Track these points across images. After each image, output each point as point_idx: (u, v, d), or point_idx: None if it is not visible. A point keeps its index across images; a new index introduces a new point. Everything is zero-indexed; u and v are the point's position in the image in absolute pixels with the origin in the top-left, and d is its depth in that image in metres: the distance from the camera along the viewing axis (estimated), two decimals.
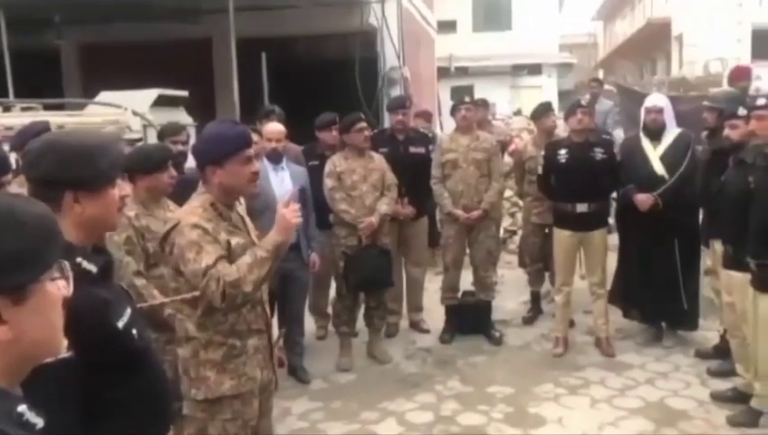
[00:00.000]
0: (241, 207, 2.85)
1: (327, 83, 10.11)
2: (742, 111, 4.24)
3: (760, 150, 3.88)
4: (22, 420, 1.01)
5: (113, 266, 1.73)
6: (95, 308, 1.53)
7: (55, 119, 5.49)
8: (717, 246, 4.54)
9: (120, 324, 1.60)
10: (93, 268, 1.58)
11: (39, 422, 1.03)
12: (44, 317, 1.08)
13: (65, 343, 1.27)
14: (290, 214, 2.55)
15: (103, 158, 1.67)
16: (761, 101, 3.75)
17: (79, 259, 1.55)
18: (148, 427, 1.66)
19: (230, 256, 2.54)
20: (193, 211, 2.55)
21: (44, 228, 1.10)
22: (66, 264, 1.13)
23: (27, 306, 1.06)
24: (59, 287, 1.11)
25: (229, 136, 2.62)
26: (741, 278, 4.02)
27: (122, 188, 1.74)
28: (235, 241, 2.59)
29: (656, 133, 5.24)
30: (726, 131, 4.31)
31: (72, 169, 1.62)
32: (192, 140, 4.98)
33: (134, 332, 1.65)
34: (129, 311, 1.66)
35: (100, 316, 1.55)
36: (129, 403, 1.62)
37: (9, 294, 1.05)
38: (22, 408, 1.02)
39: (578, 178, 5.19)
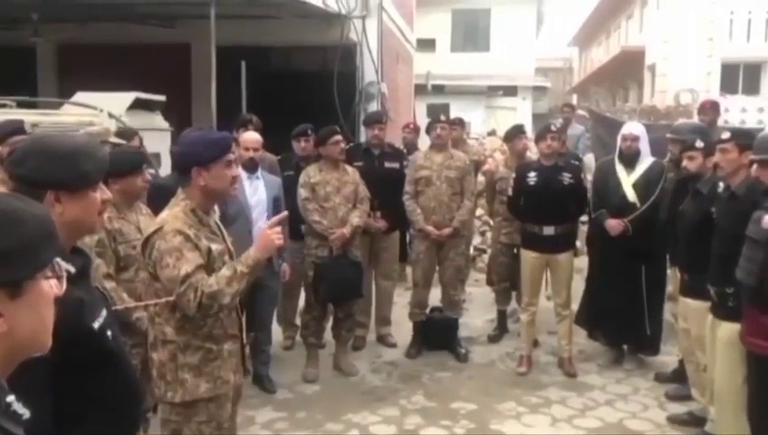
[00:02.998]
0: (214, 214, 2.89)
1: (305, 95, 10.15)
2: (699, 144, 4.38)
3: (715, 182, 4.02)
4: (10, 411, 1.05)
5: (91, 268, 1.75)
6: (71, 308, 1.54)
7: (29, 117, 5.44)
8: (678, 272, 4.68)
9: (96, 325, 1.62)
10: (72, 269, 1.60)
11: (26, 413, 1.07)
12: (37, 313, 1.12)
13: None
14: (274, 235, 2.63)
15: (87, 160, 1.70)
16: (725, 135, 3.88)
17: (57, 259, 1.57)
18: (119, 428, 1.68)
19: (209, 262, 2.61)
20: (176, 216, 2.59)
21: (42, 228, 1.15)
22: (60, 264, 1.17)
23: (22, 302, 1.10)
24: (52, 286, 1.14)
25: (215, 140, 2.72)
26: (696, 305, 4.14)
27: (104, 191, 1.76)
28: (214, 247, 2.66)
29: (630, 160, 5.37)
30: (684, 162, 4.44)
31: (54, 170, 1.64)
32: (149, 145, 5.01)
33: (109, 333, 1.67)
34: (104, 312, 1.68)
35: (76, 317, 1.57)
36: (101, 404, 1.63)
37: (6, 289, 1.09)
38: (10, 398, 1.06)
39: (546, 201, 5.29)
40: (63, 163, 1.66)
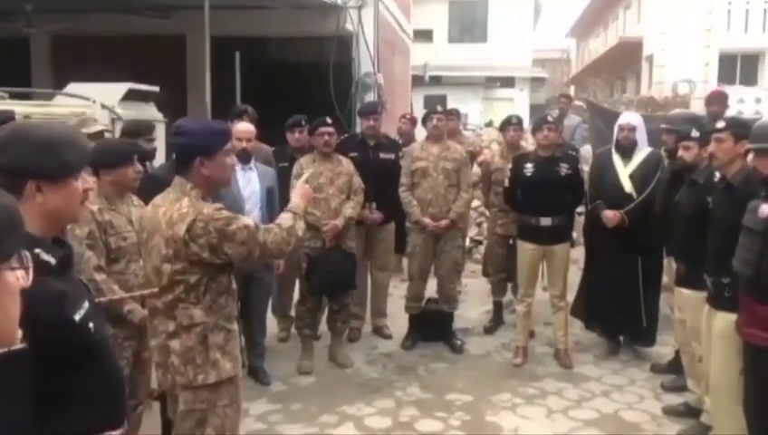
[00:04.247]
0: None
1: (301, 86, 10.12)
2: (695, 133, 4.35)
3: (711, 172, 3.99)
4: None
5: (73, 259, 1.72)
6: (52, 300, 1.52)
7: (21, 108, 5.40)
8: (673, 263, 4.66)
9: (77, 317, 1.59)
10: (52, 260, 1.57)
11: None
12: (0, 306, 1.08)
13: (20, 333, 1.26)
14: (308, 187, 3.01)
15: (68, 149, 1.66)
16: (720, 124, 3.84)
17: (37, 250, 1.54)
18: (102, 421, 1.65)
19: None
20: (199, 203, 2.63)
21: (7, 218, 1.11)
22: (27, 255, 1.14)
23: None
24: (17, 277, 1.11)
25: (218, 129, 2.80)
26: (692, 296, 4.12)
27: (86, 181, 1.73)
28: None
29: (627, 151, 5.33)
30: (680, 152, 4.41)
31: (35, 159, 1.61)
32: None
33: (91, 325, 1.63)
34: (86, 304, 1.64)
35: (57, 308, 1.53)
36: (84, 397, 1.60)
37: None
38: None
39: (543, 192, 5.26)
40: (44, 152, 1.62)
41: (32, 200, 1.60)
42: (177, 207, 2.61)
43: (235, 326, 2.80)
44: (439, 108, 5.91)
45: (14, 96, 6.24)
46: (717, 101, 6.46)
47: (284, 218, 2.77)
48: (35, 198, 1.61)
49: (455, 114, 7.46)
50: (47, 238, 1.63)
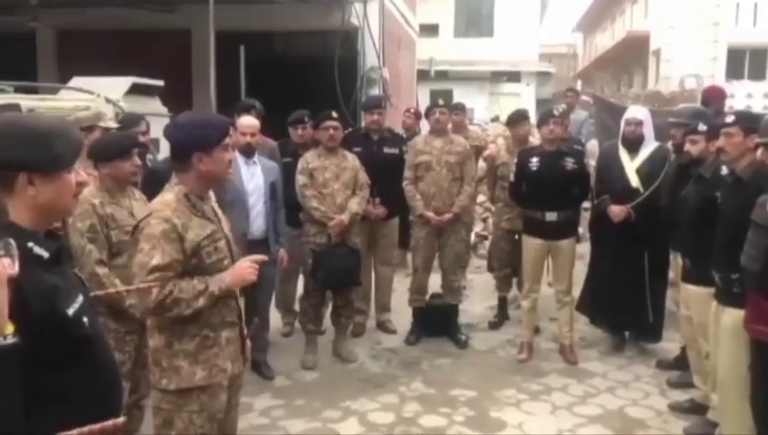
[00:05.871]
0: (210, 200, 2.82)
1: (306, 80, 10.10)
2: (702, 127, 4.30)
3: (718, 166, 3.94)
4: None
5: (67, 252, 1.70)
6: (44, 294, 1.49)
7: (26, 102, 5.41)
8: (679, 259, 4.61)
9: (70, 312, 1.56)
10: (45, 253, 1.54)
11: None
12: None
13: (11, 327, 1.24)
14: (250, 268, 2.63)
15: (59, 142, 1.63)
16: (729, 119, 3.79)
17: (30, 244, 1.51)
18: (95, 418, 1.62)
19: (196, 252, 2.56)
20: (166, 204, 2.55)
21: None
22: (12, 242, 1.11)
23: None
24: (4, 265, 1.08)
25: (215, 124, 2.69)
26: (698, 292, 4.08)
27: (79, 174, 1.70)
28: (207, 231, 2.60)
29: (634, 145, 5.28)
30: (687, 147, 4.36)
31: (26, 151, 1.58)
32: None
33: (85, 320, 1.61)
34: (80, 298, 1.62)
35: (50, 302, 1.51)
36: (77, 393, 1.59)
37: None
38: None
39: (548, 186, 5.22)
40: (34, 144, 1.59)
41: (24, 193, 1.58)
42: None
43: (221, 333, 2.64)
44: (441, 101, 5.87)
45: (18, 90, 6.25)
46: (713, 99, 6.38)
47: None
48: (27, 191, 1.58)
49: (460, 109, 7.42)
50: (40, 232, 1.61)
